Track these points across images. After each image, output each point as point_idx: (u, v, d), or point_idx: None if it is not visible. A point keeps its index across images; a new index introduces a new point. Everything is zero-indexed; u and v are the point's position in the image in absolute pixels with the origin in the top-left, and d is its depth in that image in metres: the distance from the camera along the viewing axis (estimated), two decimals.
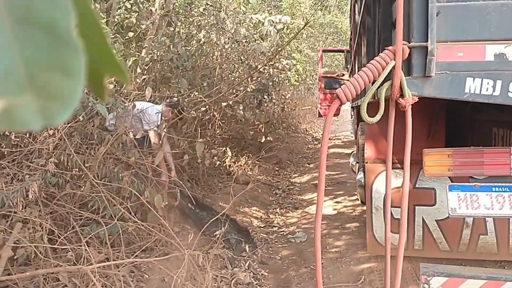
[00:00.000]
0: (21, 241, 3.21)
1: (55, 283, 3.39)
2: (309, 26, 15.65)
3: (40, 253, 3.28)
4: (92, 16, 0.36)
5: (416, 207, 3.97)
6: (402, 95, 2.11)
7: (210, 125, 7.31)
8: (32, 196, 3.30)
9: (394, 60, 2.06)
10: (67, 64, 0.33)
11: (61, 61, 0.33)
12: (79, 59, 0.33)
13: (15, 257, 3.24)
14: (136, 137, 4.65)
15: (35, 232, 3.33)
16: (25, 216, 3.34)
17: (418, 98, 2.15)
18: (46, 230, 3.37)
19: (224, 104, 7.02)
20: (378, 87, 2.14)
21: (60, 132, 3.65)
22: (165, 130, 4.96)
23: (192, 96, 5.98)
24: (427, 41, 2.31)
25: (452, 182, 3.32)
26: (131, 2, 6.67)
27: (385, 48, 2.11)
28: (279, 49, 7.91)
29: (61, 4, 0.33)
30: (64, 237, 3.45)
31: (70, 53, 0.33)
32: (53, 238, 3.46)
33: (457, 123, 4.33)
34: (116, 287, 3.44)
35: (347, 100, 2.04)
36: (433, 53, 2.30)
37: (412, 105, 2.11)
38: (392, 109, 2.21)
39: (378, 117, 2.11)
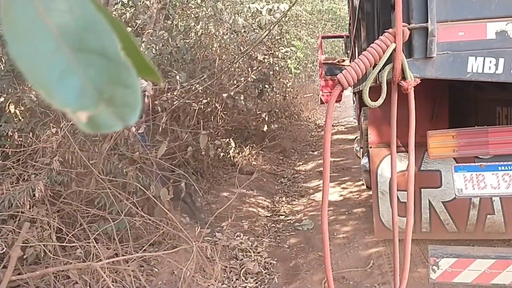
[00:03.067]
0: (30, 240, 3.23)
1: (65, 281, 3.42)
2: (308, 13, 15.56)
3: (49, 251, 3.30)
4: (128, 36, 0.45)
5: (422, 189, 3.96)
6: (404, 78, 2.10)
7: (212, 117, 7.30)
8: (39, 195, 3.31)
9: (395, 42, 2.04)
10: (124, 79, 0.41)
11: (118, 77, 0.41)
12: (131, 74, 0.41)
13: (24, 257, 3.27)
14: (139, 131, 4.65)
15: (43, 231, 3.35)
16: (32, 215, 3.36)
17: (420, 80, 2.13)
18: (54, 229, 3.39)
19: (225, 95, 7.00)
20: (380, 71, 2.13)
21: (63, 130, 3.66)
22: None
23: (193, 88, 5.97)
24: (427, 22, 2.28)
25: (457, 163, 3.31)
26: None
27: (385, 31, 2.09)
28: (268, 32, 7.84)
29: (106, 34, 0.41)
30: (72, 235, 3.47)
31: (123, 71, 0.41)
32: (61, 236, 3.49)
33: (460, 104, 4.30)
34: (126, 281, 3.46)
35: (349, 85, 2.02)
36: (434, 34, 2.27)
37: (414, 87, 2.09)
38: (395, 92, 2.19)
39: (380, 101, 2.10)
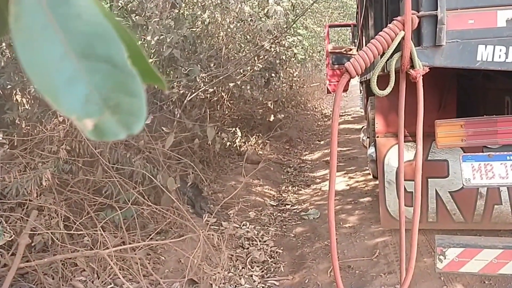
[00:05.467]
0: (37, 228, 3.26)
1: (73, 268, 3.45)
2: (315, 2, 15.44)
3: (57, 239, 3.33)
4: (134, 43, 0.46)
5: (429, 179, 3.94)
6: (412, 66, 2.08)
7: (218, 106, 7.29)
8: (46, 184, 3.33)
9: (403, 30, 2.02)
10: (129, 87, 0.42)
11: (124, 85, 0.41)
12: (137, 82, 0.42)
13: (33, 244, 3.29)
14: (146, 122, 4.66)
15: (51, 219, 3.38)
16: (40, 203, 3.38)
17: (429, 69, 2.11)
18: (61, 217, 3.41)
19: (232, 84, 6.98)
20: (388, 59, 2.11)
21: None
22: None
23: (199, 78, 5.95)
24: (436, 10, 2.25)
25: (464, 152, 3.29)
26: None
27: (394, 18, 2.07)
28: (287, 28, 7.80)
29: (113, 41, 0.42)
30: (79, 223, 3.49)
31: (129, 79, 0.41)
32: (68, 224, 3.51)
33: (468, 93, 4.26)
34: (133, 269, 3.48)
35: (357, 74, 2.01)
36: (443, 22, 2.24)
37: (422, 76, 2.07)
38: (403, 81, 2.18)
39: (389, 89, 2.08)
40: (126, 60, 0.41)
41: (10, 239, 2.99)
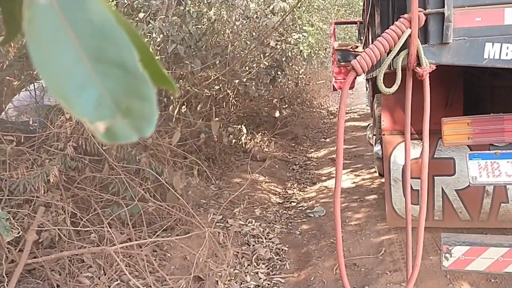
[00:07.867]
0: (45, 224, 3.28)
1: (80, 264, 3.47)
2: None
3: (64, 235, 3.35)
4: (145, 47, 0.46)
5: (435, 177, 3.93)
6: (419, 64, 2.07)
7: (224, 103, 7.29)
8: (53, 180, 3.35)
9: (410, 28, 2.02)
10: (141, 91, 0.42)
11: (135, 89, 0.42)
12: (149, 86, 0.42)
13: (40, 241, 3.32)
14: None
15: (58, 216, 3.40)
16: (47, 200, 3.40)
17: (436, 66, 2.11)
18: (68, 213, 3.43)
19: (237, 81, 6.98)
20: (394, 57, 2.10)
21: None
22: None
23: (205, 75, 5.96)
24: (443, 7, 2.24)
25: (471, 150, 3.28)
26: None
27: (400, 16, 2.06)
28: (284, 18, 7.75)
29: (124, 45, 0.42)
30: (86, 220, 3.50)
31: (141, 83, 0.42)
32: (75, 221, 3.53)
33: (475, 91, 4.24)
34: (139, 266, 3.50)
35: (363, 72, 2.01)
36: (450, 19, 2.24)
37: (429, 73, 2.07)
38: (409, 79, 2.17)
39: (395, 87, 2.08)
40: (138, 64, 0.42)
41: (17, 235, 3.01)
